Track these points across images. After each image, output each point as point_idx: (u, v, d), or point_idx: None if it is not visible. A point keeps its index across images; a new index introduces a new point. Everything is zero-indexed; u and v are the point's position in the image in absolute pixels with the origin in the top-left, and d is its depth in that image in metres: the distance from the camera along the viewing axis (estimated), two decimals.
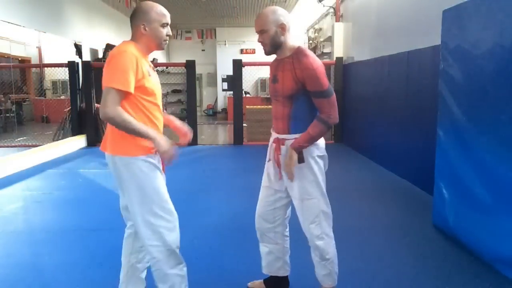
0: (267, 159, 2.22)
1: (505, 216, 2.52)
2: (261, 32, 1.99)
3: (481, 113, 2.78)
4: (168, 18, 1.90)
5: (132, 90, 1.77)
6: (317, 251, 2.11)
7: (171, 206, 1.94)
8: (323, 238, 2.07)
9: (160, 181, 1.91)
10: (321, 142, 2.07)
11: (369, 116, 6.47)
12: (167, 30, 1.90)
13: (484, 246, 2.72)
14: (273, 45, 2.00)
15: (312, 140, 1.97)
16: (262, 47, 2.03)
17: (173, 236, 1.92)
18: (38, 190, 4.77)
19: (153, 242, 1.88)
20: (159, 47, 1.91)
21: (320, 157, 2.05)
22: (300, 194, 2.05)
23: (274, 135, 2.14)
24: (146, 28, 1.85)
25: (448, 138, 3.17)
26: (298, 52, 1.96)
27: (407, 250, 2.97)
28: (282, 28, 1.97)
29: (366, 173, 5.56)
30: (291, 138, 2.02)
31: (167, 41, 1.93)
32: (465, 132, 2.95)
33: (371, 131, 6.35)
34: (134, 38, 1.88)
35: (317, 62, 1.93)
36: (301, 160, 1.99)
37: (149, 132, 1.78)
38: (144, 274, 2.16)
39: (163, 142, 1.80)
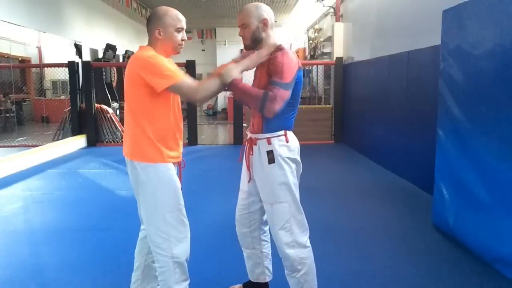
0: (238, 160, 2.17)
1: (505, 216, 2.52)
2: (242, 26, 1.95)
3: (481, 113, 2.78)
4: (183, 23, 1.92)
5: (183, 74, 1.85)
6: (287, 262, 1.98)
7: (184, 216, 1.94)
8: (293, 247, 1.95)
9: (176, 189, 1.91)
10: (294, 144, 1.99)
11: (369, 116, 6.47)
12: (182, 35, 1.92)
13: (484, 246, 2.72)
14: (253, 40, 1.95)
15: (243, 93, 1.88)
16: (242, 41, 1.98)
17: (182, 248, 1.91)
18: (38, 190, 4.77)
19: (161, 251, 1.88)
20: (175, 51, 1.94)
21: (292, 160, 1.97)
22: (269, 197, 1.96)
23: (249, 135, 2.08)
24: (161, 33, 1.87)
25: (448, 138, 3.17)
26: (277, 49, 1.93)
27: (407, 250, 2.97)
28: (264, 23, 1.94)
29: (366, 173, 5.55)
30: (263, 138, 1.96)
31: (183, 46, 1.95)
32: (465, 132, 2.95)
33: (371, 131, 6.35)
34: (150, 43, 1.92)
35: (289, 59, 1.87)
36: (271, 160, 1.93)
37: (241, 67, 1.87)
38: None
39: (231, 71, 1.85)
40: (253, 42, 1.96)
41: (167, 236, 1.87)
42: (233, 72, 1.84)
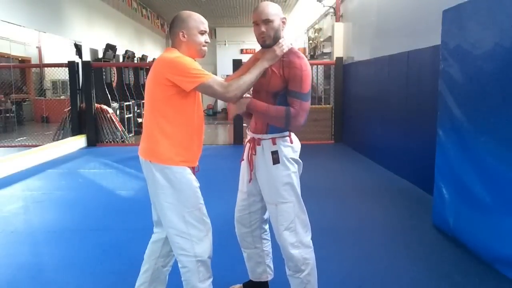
0: (240, 160, 2.16)
1: (505, 216, 2.52)
2: (265, 21, 1.87)
3: (481, 113, 2.78)
4: (206, 26, 1.94)
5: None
6: (291, 262, 1.96)
7: (204, 215, 1.93)
8: (298, 247, 1.95)
9: (194, 188, 1.89)
10: (297, 146, 2.01)
11: (369, 116, 6.47)
12: (205, 37, 1.94)
13: (484, 246, 2.72)
14: (275, 37, 1.90)
15: (265, 116, 1.90)
16: (262, 38, 1.90)
17: (204, 246, 1.90)
18: (38, 190, 4.77)
19: (184, 252, 1.87)
20: (199, 53, 1.94)
21: (295, 160, 1.98)
22: (274, 197, 1.96)
23: (250, 134, 2.07)
24: (185, 35, 1.89)
25: (448, 138, 3.17)
26: (291, 52, 1.92)
27: (407, 250, 2.97)
28: (283, 22, 1.94)
29: (366, 173, 5.56)
30: (267, 138, 1.95)
31: (206, 47, 1.97)
32: (465, 132, 2.95)
33: (371, 131, 6.35)
34: (174, 45, 1.93)
35: (307, 67, 1.90)
36: (275, 161, 1.92)
37: (261, 68, 1.90)
38: (167, 276, 2.14)
39: (272, 56, 1.91)
40: (274, 40, 1.91)
41: (188, 236, 1.86)
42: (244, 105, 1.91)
